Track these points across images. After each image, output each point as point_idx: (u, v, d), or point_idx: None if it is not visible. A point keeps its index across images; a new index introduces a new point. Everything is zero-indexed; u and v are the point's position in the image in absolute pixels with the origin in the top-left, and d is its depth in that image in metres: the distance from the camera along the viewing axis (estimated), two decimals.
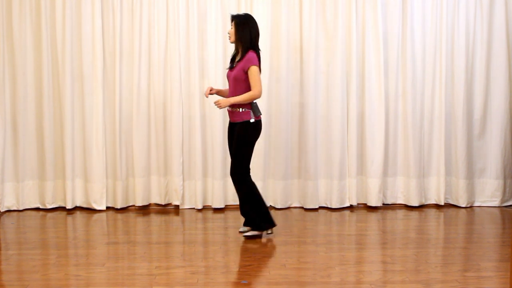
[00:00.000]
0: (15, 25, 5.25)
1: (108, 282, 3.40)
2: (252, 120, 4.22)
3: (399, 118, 5.43)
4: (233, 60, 4.36)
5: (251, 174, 4.32)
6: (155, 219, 5.06)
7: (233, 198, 5.28)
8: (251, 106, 4.23)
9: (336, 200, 5.38)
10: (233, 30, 4.28)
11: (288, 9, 5.29)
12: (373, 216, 5.12)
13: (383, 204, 5.47)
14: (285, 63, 5.29)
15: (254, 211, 4.28)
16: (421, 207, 5.44)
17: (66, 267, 3.67)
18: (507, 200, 5.51)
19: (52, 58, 5.31)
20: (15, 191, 5.37)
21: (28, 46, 5.28)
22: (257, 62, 4.20)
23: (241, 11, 5.23)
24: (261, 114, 4.30)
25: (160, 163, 5.43)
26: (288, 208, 5.44)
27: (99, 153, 5.32)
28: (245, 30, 4.23)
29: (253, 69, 4.15)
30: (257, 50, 4.26)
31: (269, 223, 4.34)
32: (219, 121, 5.26)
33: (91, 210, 5.36)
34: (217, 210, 5.36)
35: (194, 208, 5.42)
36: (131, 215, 5.23)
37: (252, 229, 4.33)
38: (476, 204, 5.50)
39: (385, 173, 5.43)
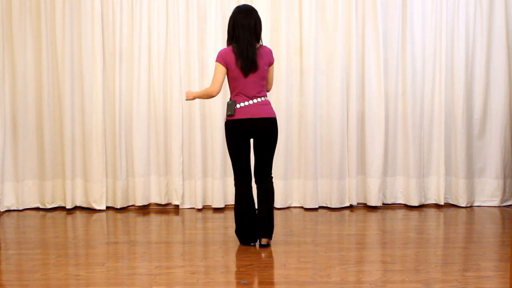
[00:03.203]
0: (15, 25, 5.26)
1: (108, 282, 3.40)
2: (225, 120, 4.08)
3: (399, 118, 5.43)
4: None
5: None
6: (155, 219, 5.06)
7: (233, 198, 5.27)
8: (227, 104, 4.05)
9: (336, 200, 5.38)
10: None
11: (288, 9, 5.30)
12: (373, 216, 5.12)
13: (383, 204, 5.48)
14: (285, 63, 5.29)
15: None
16: (421, 206, 5.44)
17: (66, 267, 3.67)
18: (507, 200, 5.51)
19: (52, 58, 5.32)
20: (15, 190, 5.37)
21: (28, 46, 5.28)
22: (219, 58, 3.97)
23: None
24: (231, 114, 3.96)
25: (160, 163, 5.43)
26: (288, 207, 5.44)
27: (99, 153, 5.33)
28: (228, 24, 4.07)
29: (215, 65, 4.02)
30: (232, 44, 3.99)
31: (238, 237, 4.17)
32: (219, 121, 5.26)
33: (91, 210, 5.37)
34: (217, 210, 5.37)
35: (194, 208, 5.43)
36: (131, 215, 5.23)
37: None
38: (476, 203, 5.50)
39: (385, 173, 5.43)
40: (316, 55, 5.31)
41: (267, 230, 4.07)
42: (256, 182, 4.13)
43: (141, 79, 5.34)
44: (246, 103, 3.96)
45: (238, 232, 4.15)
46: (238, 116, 3.96)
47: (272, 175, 4.17)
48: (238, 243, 4.18)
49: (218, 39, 5.28)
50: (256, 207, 4.14)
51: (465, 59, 5.36)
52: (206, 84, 5.30)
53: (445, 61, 5.34)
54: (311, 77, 5.30)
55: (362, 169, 5.45)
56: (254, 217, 4.10)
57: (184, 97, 5.33)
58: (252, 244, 4.10)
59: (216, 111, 5.27)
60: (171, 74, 5.34)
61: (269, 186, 4.10)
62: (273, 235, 4.36)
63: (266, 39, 5.23)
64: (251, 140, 4.10)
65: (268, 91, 4.13)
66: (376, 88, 5.34)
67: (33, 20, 5.29)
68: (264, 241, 4.06)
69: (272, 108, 4.07)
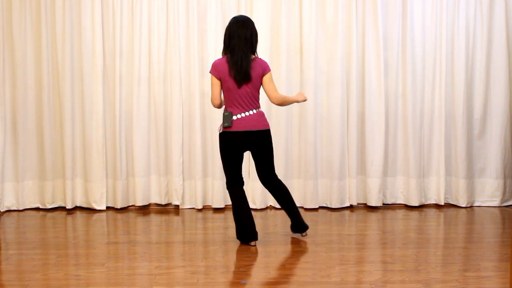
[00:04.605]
0: (15, 25, 5.26)
1: (108, 282, 3.40)
2: (220, 131, 4.10)
3: (399, 118, 5.43)
4: None
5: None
6: (155, 219, 5.06)
7: None
8: (223, 116, 4.05)
9: (336, 200, 5.38)
10: None
11: (288, 9, 5.29)
12: (373, 216, 5.12)
13: (383, 204, 5.47)
14: (285, 63, 5.29)
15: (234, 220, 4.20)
16: (421, 207, 5.44)
17: (66, 267, 3.67)
18: (507, 200, 5.51)
19: (52, 58, 5.32)
20: (15, 191, 5.37)
21: (28, 46, 5.28)
22: (212, 69, 4.01)
23: (241, 12, 5.24)
24: (228, 126, 3.98)
25: (160, 163, 5.43)
26: None
27: (99, 153, 5.33)
28: (224, 34, 4.08)
29: (210, 76, 4.06)
30: (226, 54, 4.02)
31: (240, 238, 4.17)
32: (219, 121, 5.25)
33: (91, 210, 5.37)
34: (217, 210, 5.37)
35: (194, 208, 5.43)
36: (131, 215, 5.23)
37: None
38: (476, 204, 5.50)
39: (385, 173, 5.43)
40: (316, 55, 5.31)
41: (302, 223, 4.31)
42: (264, 184, 4.25)
43: (141, 79, 5.34)
44: (243, 114, 4.00)
45: (238, 232, 4.16)
46: (235, 128, 4.00)
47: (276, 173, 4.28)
48: (238, 243, 4.18)
49: (218, 39, 5.27)
50: (280, 206, 4.40)
51: (465, 59, 5.36)
52: (206, 84, 5.30)
53: (445, 61, 5.35)
54: (311, 77, 5.30)
55: (362, 169, 5.45)
56: (251, 216, 4.11)
57: (184, 97, 5.36)
58: (252, 243, 4.10)
59: (216, 111, 5.27)
60: (171, 74, 5.34)
61: (278, 183, 4.24)
62: (273, 235, 4.38)
63: (266, 39, 5.24)
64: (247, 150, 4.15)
65: (274, 102, 4.07)
66: (376, 88, 5.34)
67: (33, 20, 5.29)
68: (303, 234, 4.32)
69: (266, 119, 4.14)
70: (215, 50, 5.25)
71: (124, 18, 5.32)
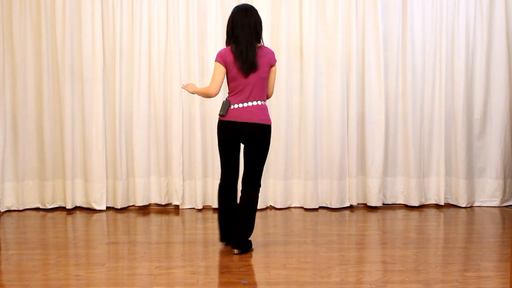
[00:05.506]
0: (15, 25, 5.26)
1: (108, 282, 3.40)
2: (218, 119, 3.97)
3: (399, 118, 5.43)
4: None
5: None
6: (155, 219, 5.06)
7: None
8: (222, 103, 3.92)
9: (336, 200, 5.38)
10: None
11: (288, 9, 5.30)
12: (373, 216, 5.12)
13: (383, 204, 5.47)
14: (285, 63, 5.29)
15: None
16: (421, 207, 5.44)
17: (66, 267, 3.67)
18: (507, 200, 5.51)
19: (52, 58, 5.32)
20: (15, 191, 5.37)
21: (28, 46, 5.28)
22: (218, 57, 3.83)
23: None
24: (223, 114, 3.85)
25: (160, 163, 5.43)
26: (288, 208, 5.44)
27: (99, 153, 5.33)
28: (227, 24, 3.94)
29: (214, 64, 3.89)
30: (231, 44, 3.85)
31: (221, 236, 4.10)
32: None
33: (91, 210, 5.36)
34: (217, 210, 5.35)
35: (194, 208, 5.43)
36: (131, 215, 5.23)
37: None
38: (476, 204, 5.50)
39: (385, 173, 5.43)
40: (316, 55, 5.31)
41: (240, 241, 3.92)
42: (241, 190, 3.98)
43: (141, 79, 5.34)
44: (241, 105, 3.82)
45: (219, 228, 4.12)
46: (229, 117, 3.85)
47: (260, 187, 3.96)
48: None
49: (218, 39, 5.28)
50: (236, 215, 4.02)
51: (465, 59, 5.36)
52: (206, 84, 5.29)
53: (445, 61, 5.35)
54: (311, 77, 5.30)
55: (362, 169, 5.45)
56: (230, 217, 4.01)
57: (184, 97, 5.35)
58: (224, 243, 4.10)
59: (217, 111, 5.25)
60: (171, 74, 5.34)
61: (251, 196, 3.92)
62: (273, 235, 4.37)
63: (266, 39, 5.22)
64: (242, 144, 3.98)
65: (268, 97, 3.99)
66: (376, 88, 5.34)
67: (33, 20, 5.29)
68: (235, 251, 3.93)
69: (267, 114, 3.90)
70: (215, 50, 5.24)
71: (124, 18, 5.32)
